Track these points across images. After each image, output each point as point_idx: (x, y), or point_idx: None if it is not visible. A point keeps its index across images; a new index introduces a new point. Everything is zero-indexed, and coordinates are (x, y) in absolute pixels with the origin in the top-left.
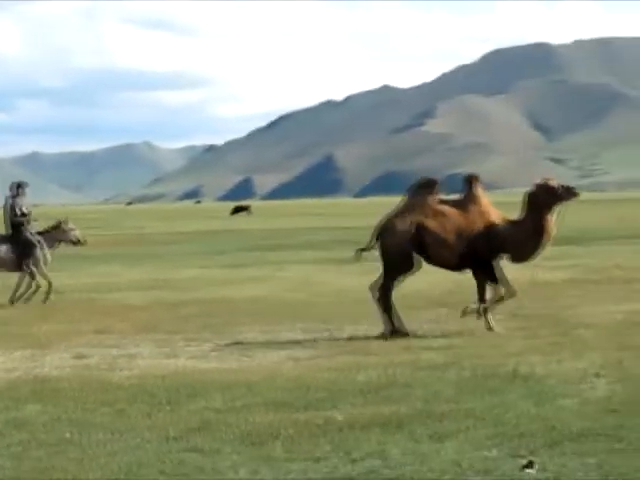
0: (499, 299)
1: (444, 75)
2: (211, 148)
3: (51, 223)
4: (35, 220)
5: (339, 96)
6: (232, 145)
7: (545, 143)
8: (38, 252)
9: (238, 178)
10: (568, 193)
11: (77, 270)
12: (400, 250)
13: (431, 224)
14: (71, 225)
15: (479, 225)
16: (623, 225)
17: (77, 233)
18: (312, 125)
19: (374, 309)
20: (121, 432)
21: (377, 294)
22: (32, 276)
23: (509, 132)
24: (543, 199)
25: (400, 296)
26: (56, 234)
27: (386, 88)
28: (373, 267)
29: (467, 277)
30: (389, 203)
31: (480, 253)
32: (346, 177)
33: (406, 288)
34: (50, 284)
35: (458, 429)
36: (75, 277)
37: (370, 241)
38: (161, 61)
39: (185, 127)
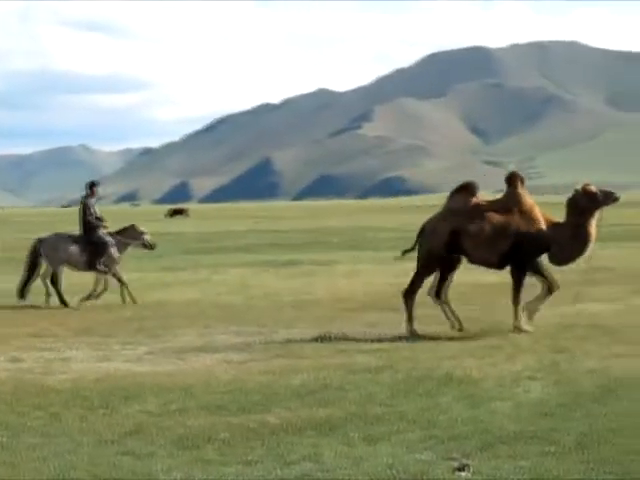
0: (548, 293)
1: (381, 78)
2: (148, 151)
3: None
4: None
5: (276, 99)
6: (169, 148)
7: (482, 146)
8: (113, 251)
9: (175, 181)
10: (607, 198)
11: (15, 274)
12: (437, 252)
13: (469, 226)
14: (143, 228)
15: (520, 225)
16: None
17: (148, 237)
18: (249, 128)
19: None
20: (54, 436)
21: (435, 298)
22: (105, 274)
23: (446, 135)
24: (583, 204)
25: (337, 300)
26: (128, 236)
27: (323, 91)
28: (307, 270)
29: (403, 281)
30: (326, 206)
31: (521, 253)
32: (283, 180)
33: (343, 291)
34: (126, 286)
35: (391, 432)
36: (12, 280)
37: (415, 243)
38: (97, 64)
39: (122, 130)
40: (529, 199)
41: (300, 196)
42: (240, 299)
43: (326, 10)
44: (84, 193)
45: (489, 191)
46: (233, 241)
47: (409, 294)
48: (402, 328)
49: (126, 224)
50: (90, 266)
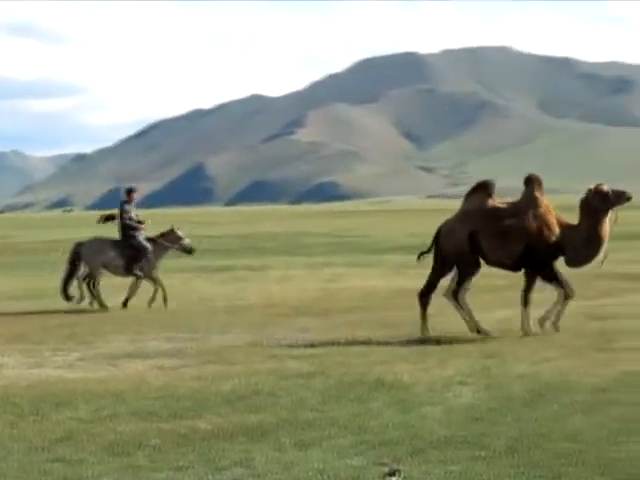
0: (565, 299)
1: (314, 83)
2: (81, 157)
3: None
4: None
5: (209, 104)
6: (102, 154)
7: (415, 151)
8: (151, 256)
9: (108, 186)
10: (619, 197)
11: None
12: (457, 254)
13: (486, 228)
14: (181, 233)
15: (536, 227)
16: None
17: (187, 241)
18: (182, 134)
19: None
20: None
21: (453, 300)
22: (142, 278)
23: (379, 141)
24: (596, 204)
25: (269, 305)
26: (167, 241)
27: (256, 97)
28: (240, 275)
29: (335, 286)
30: (260, 211)
31: (537, 255)
32: (216, 185)
33: (275, 297)
34: (163, 289)
35: (322, 437)
36: None
37: (430, 245)
38: (28, 69)
39: (55, 135)
40: (545, 202)
41: (233, 201)
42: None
43: (258, 13)
44: (123, 199)
45: (422, 196)
46: None
47: (424, 295)
48: (334, 333)
49: (165, 229)
50: (128, 270)
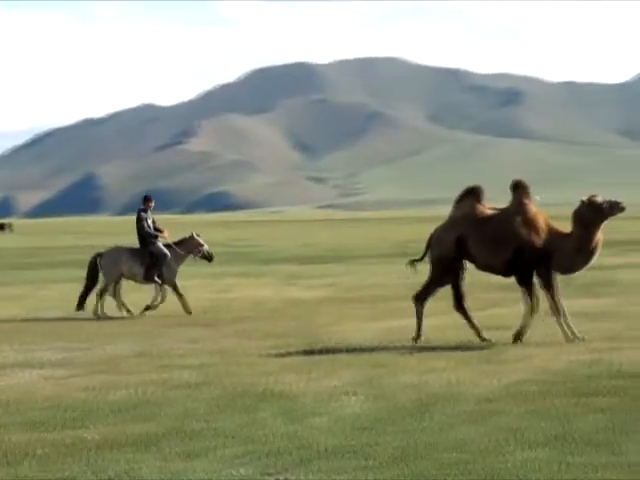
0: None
1: (205, 93)
2: None
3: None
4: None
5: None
6: None
7: (306, 162)
8: (172, 263)
9: None
10: (613, 208)
11: None
12: (446, 260)
13: (474, 233)
14: (201, 239)
15: (523, 233)
16: (381, 244)
17: (207, 247)
18: (73, 143)
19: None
20: None
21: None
22: (161, 285)
23: (270, 151)
24: (589, 216)
25: (159, 315)
26: (186, 247)
27: (148, 106)
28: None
29: (226, 296)
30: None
31: (525, 261)
32: (108, 195)
33: (164, 309)
34: (183, 297)
35: (208, 447)
36: None
37: (424, 252)
38: None
39: None
40: (533, 208)
41: (125, 211)
42: (65, 315)
43: (150, 24)
44: (140, 207)
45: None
46: (57, 256)
47: (420, 299)
48: (223, 343)
49: (185, 235)
50: (148, 278)
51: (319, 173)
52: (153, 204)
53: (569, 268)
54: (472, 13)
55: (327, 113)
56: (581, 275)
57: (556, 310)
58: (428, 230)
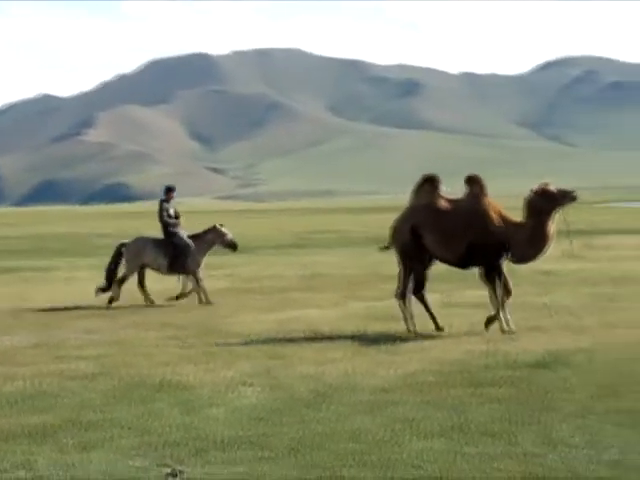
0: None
1: (104, 84)
2: None
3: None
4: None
5: None
6: None
7: (205, 153)
8: (195, 254)
9: None
10: (565, 197)
11: None
12: (409, 249)
13: (429, 224)
14: (224, 229)
15: (476, 225)
16: (279, 235)
17: (231, 237)
18: None
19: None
20: None
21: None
22: (186, 275)
23: (169, 142)
24: (542, 205)
25: (55, 306)
26: (211, 237)
27: (46, 97)
28: (26, 277)
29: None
30: (49, 212)
31: (481, 253)
32: (6, 186)
33: (61, 298)
34: (201, 286)
35: (105, 438)
36: None
37: (389, 242)
38: None
39: None
40: (487, 200)
41: (23, 202)
42: None
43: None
44: (162, 197)
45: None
46: None
47: (402, 295)
48: (120, 334)
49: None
50: (172, 269)
51: (218, 164)
52: (175, 194)
53: (523, 258)
54: (370, 6)
55: (226, 104)
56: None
57: (499, 302)
58: (326, 221)
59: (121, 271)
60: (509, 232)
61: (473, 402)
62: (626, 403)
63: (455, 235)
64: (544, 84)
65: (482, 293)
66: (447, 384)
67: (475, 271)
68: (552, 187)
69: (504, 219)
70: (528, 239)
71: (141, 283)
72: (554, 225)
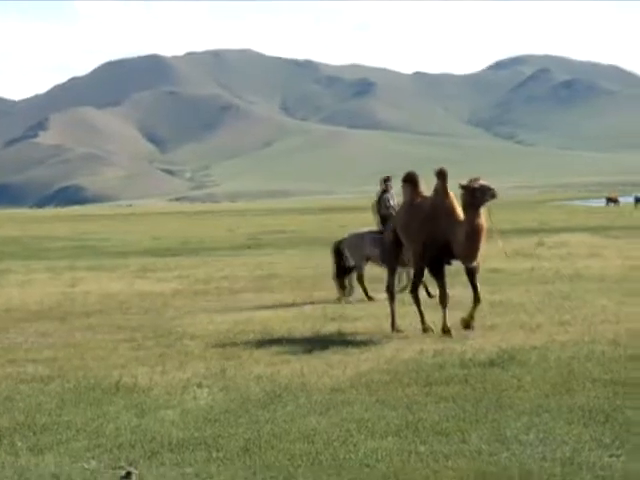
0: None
1: (57, 87)
2: None
3: None
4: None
5: None
6: None
7: (158, 154)
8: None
9: None
10: (484, 194)
11: None
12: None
13: (400, 224)
14: None
15: (430, 225)
16: (231, 236)
17: None
18: None
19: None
20: None
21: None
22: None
23: (123, 144)
24: (467, 201)
25: (8, 309)
26: None
27: None
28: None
29: (76, 290)
30: (2, 215)
31: (431, 253)
32: None
33: (15, 301)
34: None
35: (58, 441)
36: None
37: None
38: None
39: None
40: (446, 198)
41: None
42: None
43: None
44: (379, 189)
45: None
46: None
47: (414, 291)
48: (73, 337)
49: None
50: (386, 262)
51: (172, 166)
52: (391, 185)
53: (462, 256)
54: (322, 7)
55: (179, 105)
56: None
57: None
58: (279, 222)
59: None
60: (452, 229)
61: (426, 401)
62: (578, 400)
63: (415, 234)
64: (496, 83)
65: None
66: (400, 383)
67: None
68: (474, 184)
69: (454, 216)
70: (463, 236)
71: (361, 278)
72: (483, 222)
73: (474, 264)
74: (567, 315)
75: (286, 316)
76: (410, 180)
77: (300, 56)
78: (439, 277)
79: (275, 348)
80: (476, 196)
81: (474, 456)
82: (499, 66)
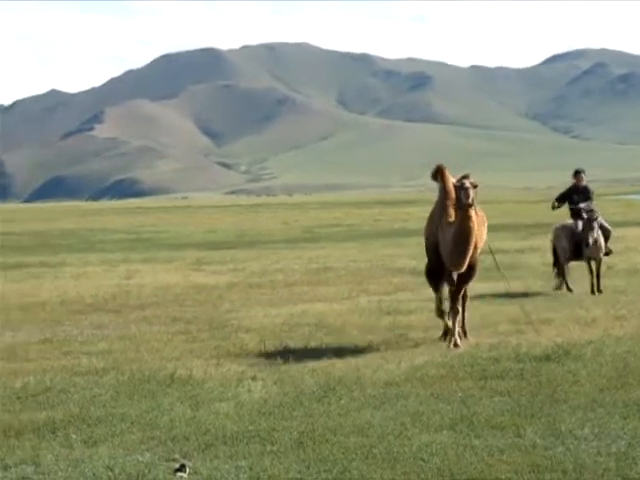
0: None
1: (113, 79)
2: None
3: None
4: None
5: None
6: None
7: (214, 148)
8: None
9: None
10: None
11: None
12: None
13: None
14: None
15: (426, 226)
16: (288, 229)
17: None
18: None
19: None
20: None
21: None
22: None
23: (179, 137)
24: (457, 201)
25: (64, 302)
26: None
27: (55, 92)
28: (35, 272)
29: (131, 283)
30: (58, 208)
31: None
32: (14, 182)
33: (70, 294)
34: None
35: (112, 433)
36: None
37: None
38: None
39: None
40: (442, 197)
41: (32, 198)
42: None
43: (54, 11)
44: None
45: (221, 192)
46: None
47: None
48: (128, 329)
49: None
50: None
51: (227, 159)
52: (583, 176)
53: (447, 260)
54: (377, 2)
55: (234, 99)
56: (486, 258)
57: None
58: (334, 215)
59: None
60: (441, 230)
61: (481, 395)
62: (634, 395)
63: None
64: (552, 77)
65: (488, 285)
66: (455, 377)
67: (484, 263)
68: (460, 182)
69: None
70: (451, 238)
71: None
72: (475, 225)
73: (462, 271)
74: (623, 310)
75: (341, 309)
76: (435, 175)
77: (356, 50)
78: (435, 283)
79: (329, 341)
80: (460, 196)
81: (529, 450)
82: (555, 60)
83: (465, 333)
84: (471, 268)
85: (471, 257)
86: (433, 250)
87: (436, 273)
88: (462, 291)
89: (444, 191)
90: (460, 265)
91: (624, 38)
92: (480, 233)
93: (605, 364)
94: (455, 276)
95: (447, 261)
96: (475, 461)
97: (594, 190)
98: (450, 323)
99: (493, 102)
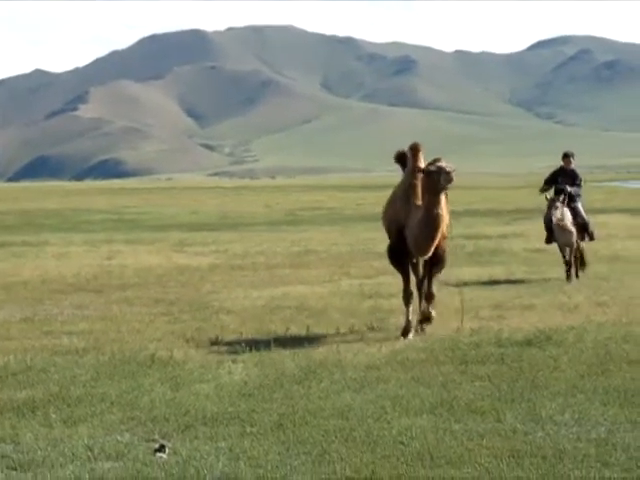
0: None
1: (98, 60)
2: None
3: None
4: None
5: None
6: None
7: (198, 129)
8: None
9: None
10: (439, 177)
11: None
12: None
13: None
14: None
15: (386, 208)
16: (270, 212)
17: None
18: None
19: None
20: None
21: None
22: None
23: (163, 118)
24: (425, 185)
25: (45, 281)
26: None
27: (39, 72)
28: (17, 252)
29: (113, 263)
30: (41, 188)
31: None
32: None
33: (52, 273)
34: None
35: (92, 413)
36: None
37: None
38: None
39: None
40: (409, 176)
41: (15, 177)
42: None
43: None
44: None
45: (205, 173)
46: None
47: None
48: (110, 310)
49: None
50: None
51: (211, 141)
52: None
53: (413, 246)
54: None
55: (219, 80)
56: (469, 244)
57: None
58: (317, 198)
59: None
60: (406, 215)
61: (461, 379)
62: (614, 381)
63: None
64: (537, 63)
65: (472, 270)
66: (436, 361)
67: (467, 249)
68: (435, 165)
69: (413, 200)
70: (418, 222)
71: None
72: (444, 211)
73: (427, 257)
74: (605, 296)
75: (322, 292)
76: (402, 156)
77: (341, 33)
78: (402, 269)
79: (311, 324)
80: (433, 180)
81: (509, 435)
82: (540, 46)
83: (423, 329)
84: (439, 256)
85: (438, 243)
86: (397, 233)
87: (401, 257)
88: (433, 277)
89: (413, 172)
90: (426, 251)
91: (610, 25)
92: (445, 219)
93: (586, 350)
94: (421, 265)
95: (412, 246)
96: (455, 445)
97: (583, 177)
98: (410, 313)
99: (478, 87)
